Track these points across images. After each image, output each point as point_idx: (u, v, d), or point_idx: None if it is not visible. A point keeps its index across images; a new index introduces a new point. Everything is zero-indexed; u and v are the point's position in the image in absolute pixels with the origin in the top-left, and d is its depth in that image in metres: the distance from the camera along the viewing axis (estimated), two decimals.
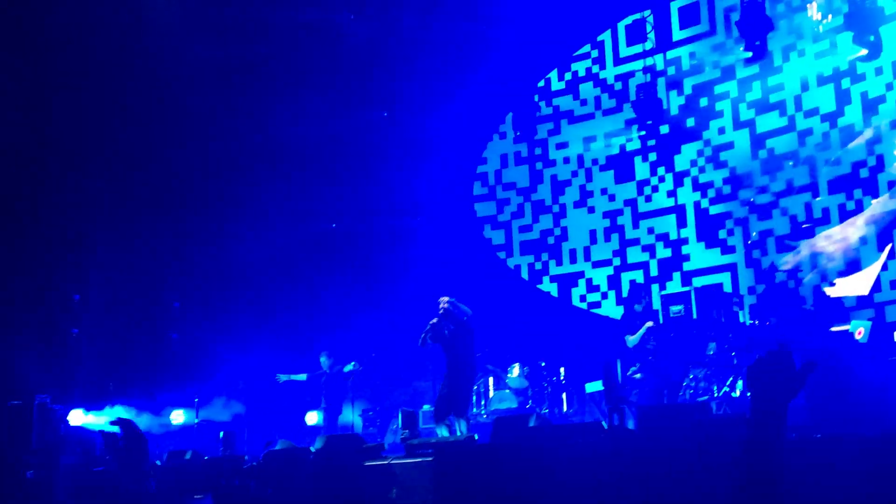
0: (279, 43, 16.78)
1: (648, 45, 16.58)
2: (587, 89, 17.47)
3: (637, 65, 16.76)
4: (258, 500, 9.52)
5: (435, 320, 10.83)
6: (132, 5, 14.91)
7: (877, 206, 13.91)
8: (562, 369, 14.70)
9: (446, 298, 10.93)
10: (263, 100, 16.92)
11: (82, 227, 16.25)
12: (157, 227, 16.81)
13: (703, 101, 16.12)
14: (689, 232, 15.94)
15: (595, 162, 17.22)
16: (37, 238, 15.65)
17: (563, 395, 14.61)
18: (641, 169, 16.73)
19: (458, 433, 10.30)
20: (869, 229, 13.81)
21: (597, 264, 16.95)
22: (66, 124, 15.73)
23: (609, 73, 17.26)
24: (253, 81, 16.71)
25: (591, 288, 16.93)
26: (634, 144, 16.80)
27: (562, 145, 17.61)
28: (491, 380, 14.99)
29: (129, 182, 16.52)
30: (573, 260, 17.22)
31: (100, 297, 16.29)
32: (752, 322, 10.18)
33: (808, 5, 14.95)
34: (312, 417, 15.33)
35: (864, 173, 14.23)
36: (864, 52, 14.01)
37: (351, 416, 14.29)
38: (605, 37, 17.39)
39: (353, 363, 14.40)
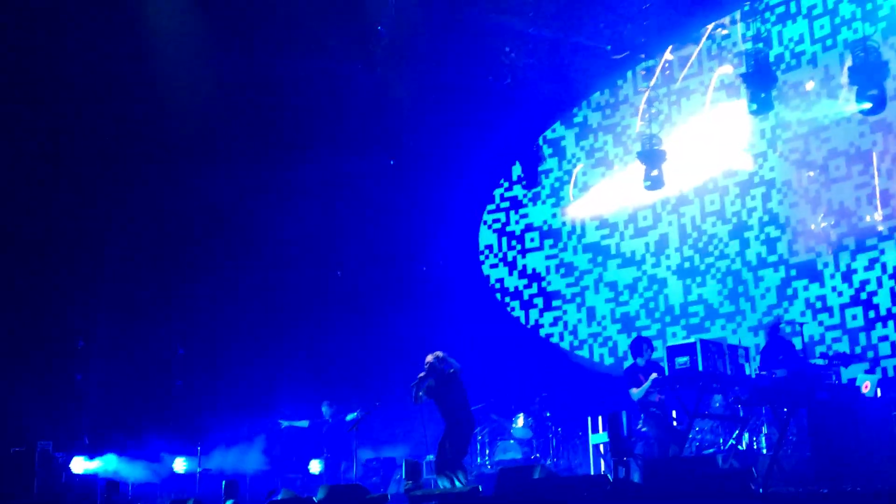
0: (287, 91, 16.94)
1: (652, 94, 16.69)
2: (594, 139, 17.55)
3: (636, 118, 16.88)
4: None
5: (422, 374, 10.86)
6: (146, 55, 15.07)
7: None
8: (567, 420, 14.63)
9: (431, 357, 10.96)
10: (271, 147, 17.04)
11: (88, 272, 16.31)
12: (162, 274, 16.86)
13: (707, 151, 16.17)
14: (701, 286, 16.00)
15: (597, 213, 17.25)
16: (42, 283, 15.69)
17: (569, 447, 14.53)
18: (646, 219, 16.75)
19: (457, 483, 10.23)
20: None
21: (603, 318, 16.95)
22: (74, 171, 15.86)
23: (615, 122, 17.34)
24: (261, 129, 16.84)
25: (597, 339, 16.92)
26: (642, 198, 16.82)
27: (567, 195, 17.66)
28: (495, 430, 14.90)
29: (136, 227, 16.61)
30: (581, 312, 17.20)
31: (104, 343, 16.30)
32: (758, 374, 10.13)
33: None
34: (315, 466, 15.23)
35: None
36: (867, 105, 14.09)
37: (353, 465, 14.19)
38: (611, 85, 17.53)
39: (356, 411, 14.34)
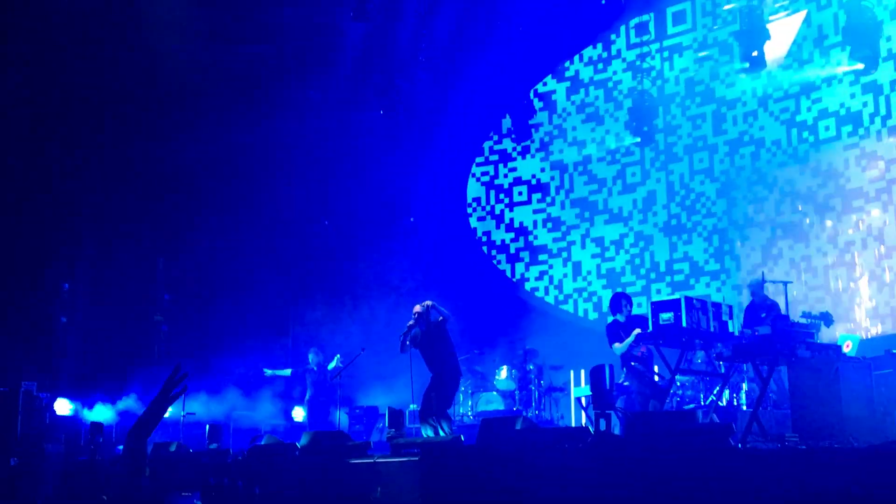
0: (276, 42, 16.81)
1: (645, 49, 16.61)
2: (584, 93, 17.48)
3: (629, 73, 16.80)
4: (246, 499, 9.52)
5: (411, 322, 10.88)
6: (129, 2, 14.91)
7: None
8: (549, 373, 14.73)
9: (419, 306, 10.98)
10: (259, 97, 16.93)
11: (74, 216, 16.23)
12: (148, 220, 16.79)
13: (699, 109, 16.13)
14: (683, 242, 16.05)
15: (588, 166, 17.24)
16: (27, 227, 15.62)
17: (550, 400, 14.65)
18: (635, 175, 16.75)
19: (442, 433, 10.31)
20: None
21: (590, 272, 17.01)
22: (60, 116, 15.71)
23: (607, 76, 17.27)
24: (249, 80, 16.72)
25: (582, 294, 16.99)
26: (629, 151, 16.82)
27: (558, 149, 17.62)
28: (478, 381, 15.00)
29: (122, 173, 16.51)
30: (567, 267, 17.25)
31: (89, 287, 16.27)
32: (741, 332, 10.19)
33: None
34: (299, 413, 15.33)
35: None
36: (859, 66, 14.07)
37: (337, 413, 14.29)
38: (604, 41, 17.41)
39: (336, 357, 14.40)
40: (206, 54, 15.79)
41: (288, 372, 15.41)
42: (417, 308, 10.98)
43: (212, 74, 16.08)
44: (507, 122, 18.18)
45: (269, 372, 15.39)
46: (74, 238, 16.23)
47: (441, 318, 10.88)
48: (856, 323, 13.77)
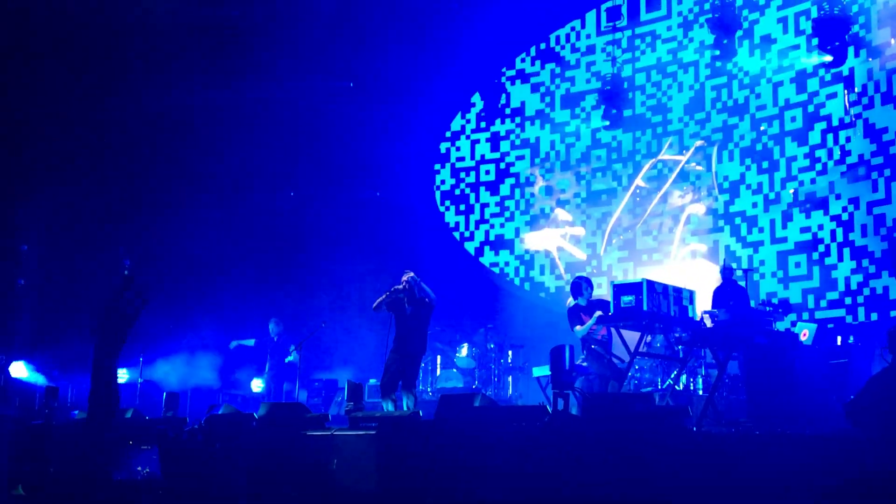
0: (244, 6, 16.60)
1: (619, 35, 16.63)
2: (556, 75, 17.49)
3: (603, 55, 16.81)
4: (205, 453, 9.49)
5: (399, 287, 10.80)
6: None
7: None
8: (509, 352, 14.78)
9: (411, 273, 10.91)
10: (225, 63, 16.72)
11: (32, 178, 15.98)
12: (109, 183, 16.57)
13: (669, 91, 16.20)
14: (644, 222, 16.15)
15: (557, 147, 17.27)
16: None
17: (510, 378, 14.71)
18: (604, 154, 16.80)
19: (405, 408, 10.32)
20: None
21: (555, 249, 17.07)
22: (14, 73, 15.42)
23: (578, 58, 17.28)
24: (216, 44, 16.49)
25: (545, 273, 17.05)
26: (600, 131, 16.86)
27: (526, 127, 17.63)
28: (439, 358, 15.03)
29: (83, 132, 16.26)
30: (530, 246, 17.30)
31: (49, 249, 16.06)
32: (707, 312, 10.29)
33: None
34: (257, 385, 15.28)
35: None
36: (828, 58, 14.19)
37: (296, 385, 14.26)
38: (577, 23, 17.40)
39: (292, 349, 14.28)
40: (173, 14, 15.55)
41: (252, 342, 15.34)
42: (408, 276, 10.87)
43: (178, 34, 15.82)
44: (476, 100, 18.12)
45: (234, 343, 15.32)
46: (33, 199, 15.99)
47: (427, 299, 10.83)
48: (813, 310, 13.95)
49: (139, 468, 10.37)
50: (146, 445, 10.26)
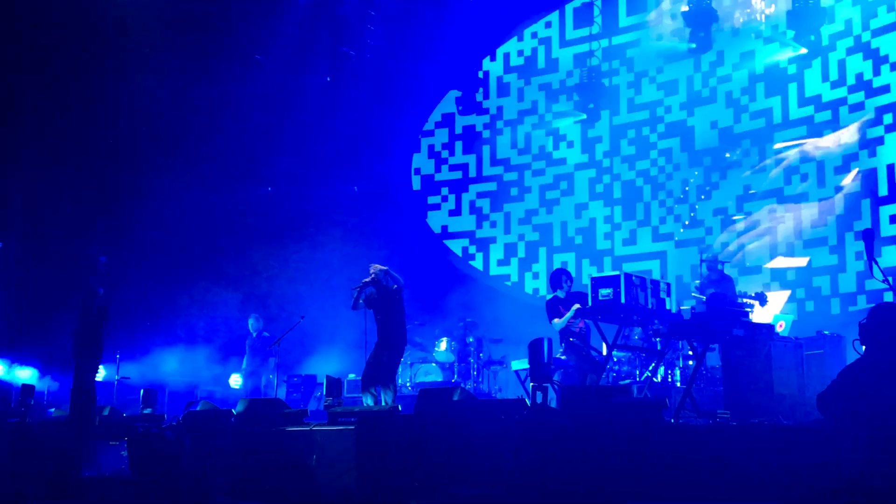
0: (224, 2, 16.53)
1: (595, 30, 16.66)
2: (532, 68, 17.51)
3: (583, 47, 16.83)
4: (174, 448, 9.44)
5: (367, 280, 10.80)
6: None
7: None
8: (488, 346, 14.79)
9: (377, 266, 10.90)
10: (204, 56, 16.63)
11: (6, 171, 15.84)
12: (86, 179, 16.42)
13: (648, 87, 16.25)
14: (622, 217, 16.21)
15: (530, 142, 17.28)
16: None
17: (489, 372, 14.73)
18: (580, 151, 16.83)
19: (384, 403, 10.30)
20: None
21: (531, 244, 17.10)
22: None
23: (555, 53, 17.30)
24: (194, 37, 16.41)
25: (523, 266, 17.08)
26: (575, 127, 16.89)
27: (506, 122, 17.64)
28: (418, 353, 15.03)
29: (59, 127, 16.12)
30: (508, 240, 17.32)
31: (23, 247, 15.92)
32: (678, 309, 10.34)
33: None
34: (235, 380, 15.21)
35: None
36: (803, 50, 14.28)
37: (274, 381, 14.22)
38: (553, 17, 17.42)
39: (271, 361, 14.25)
40: (150, 8, 15.46)
41: (241, 377, 15.13)
42: (374, 269, 10.88)
43: (155, 29, 15.73)
44: (454, 94, 18.12)
45: (237, 383, 15.10)
46: (7, 195, 15.85)
47: (395, 286, 10.83)
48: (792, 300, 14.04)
49: (114, 465, 10.31)
50: (115, 442, 10.20)
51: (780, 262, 14.23)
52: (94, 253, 16.66)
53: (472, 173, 17.83)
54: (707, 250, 13.05)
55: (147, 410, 11.73)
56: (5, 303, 15.54)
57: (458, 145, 18.05)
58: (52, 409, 12.49)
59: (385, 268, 10.89)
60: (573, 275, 11.98)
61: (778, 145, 14.77)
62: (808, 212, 14.34)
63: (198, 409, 10.37)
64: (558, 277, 11.41)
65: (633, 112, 16.34)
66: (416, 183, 18.30)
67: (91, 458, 10.27)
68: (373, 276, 10.81)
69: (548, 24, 17.41)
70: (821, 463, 5.80)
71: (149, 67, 15.88)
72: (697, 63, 15.69)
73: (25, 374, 14.49)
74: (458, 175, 17.96)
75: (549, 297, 11.46)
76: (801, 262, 13.96)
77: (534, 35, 17.53)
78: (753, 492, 6.09)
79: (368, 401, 10.50)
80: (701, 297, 10.91)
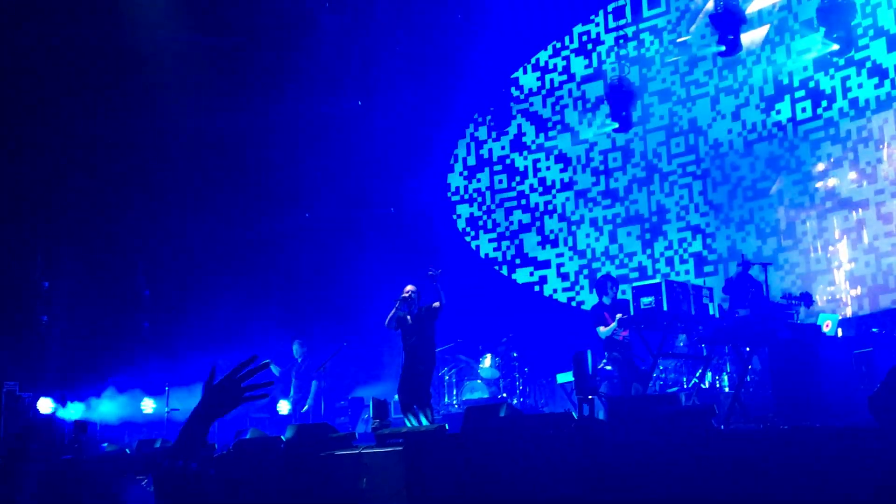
0: (257, 30, 16.73)
1: (622, 33, 16.63)
2: (563, 81, 17.49)
3: (607, 59, 16.81)
4: (199, 480, 9.48)
5: (406, 295, 10.84)
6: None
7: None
8: (533, 360, 14.77)
9: (412, 287, 10.95)
10: (235, 90, 16.84)
11: (53, 214, 16.12)
12: (128, 216, 16.68)
13: (679, 94, 16.17)
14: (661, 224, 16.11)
15: (569, 153, 17.26)
16: (6, 225, 15.51)
17: (534, 387, 14.69)
18: (614, 160, 16.78)
19: (426, 422, 10.32)
20: None
21: (571, 255, 17.04)
22: (38, 111, 15.59)
23: (586, 63, 17.29)
24: (228, 69, 16.63)
25: (565, 279, 17.02)
26: (605, 138, 16.85)
27: (538, 137, 17.64)
28: (463, 370, 15.02)
29: (101, 165, 16.38)
30: (546, 253, 17.28)
31: (70, 285, 16.17)
32: (721, 314, 10.27)
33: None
34: (284, 407, 15.29)
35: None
36: (835, 47, 14.14)
37: (322, 405, 14.28)
38: (581, 28, 17.43)
39: (314, 384, 14.33)
40: (182, 45, 15.71)
41: (277, 371, 15.26)
42: (409, 287, 10.92)
43: (188, 67, 15.98)
44: (486, 111, 18.16)
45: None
46: (54, 236, 16.13)
47: (437, 303, 10.84)
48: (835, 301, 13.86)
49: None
50: (141, 476, 10.25)
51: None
52: (138, 287, 16.94)
53: (507, 188, 17.83)
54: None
55: None
56: (53, 343, 15.77)
57: (493, 161, 18.06)
58: (105, 444, 12.63)
59: (414, 288, 10.95)
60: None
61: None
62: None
63: (247, 436, 10.45)
64: (603, 284, 11.37)
65: (666, 119, 16.25)
66: (453, 201, 18.33)
67: (123, 494, 10.33)
68: (408, 294, 10.87)
69: (581, 34, 17.39)
70: (875, 464, 5.71)
71: (187, 104, 16.11)
72: (727, 65, 15.59)
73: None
74: (495, 190, 17.96)
75: (593, 303, 11.42)
76: None
77: (561, 47, 17.52)
78: (807, 497, 6.01)
79: (412, 421, 10.53)
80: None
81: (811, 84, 14.72)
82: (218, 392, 3.69)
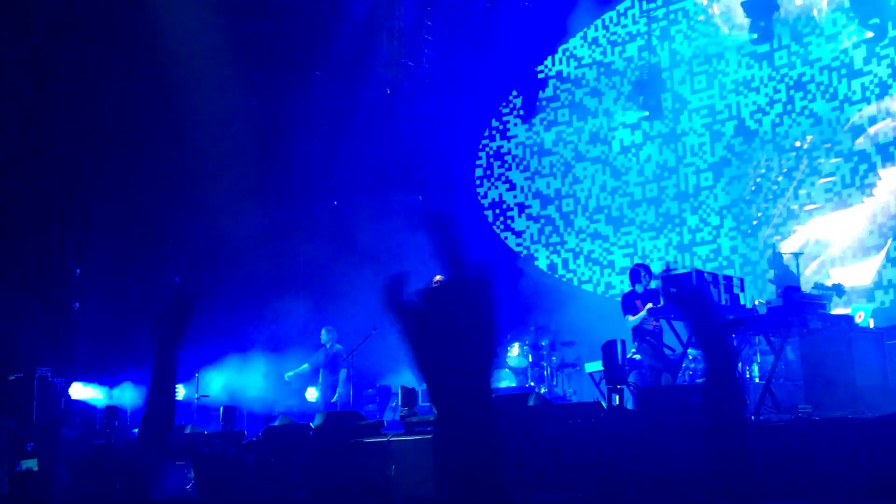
0: (282, 19, 16.75)
1: (653, 25, 16.51)
2: (593, 68, 17.40)
3: (635, 45, 16.70)
4: (238, 466, 9.56)
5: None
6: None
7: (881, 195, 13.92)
8: (561, 349, 14.72)
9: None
10: (263, 77, 16.89)
11: (84, 202, 16.25)
12: (159, 203, 16.78)
13: (706, 81, 16.04)
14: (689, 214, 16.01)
15: (597, 140, 17.17)
16: (38, 212, 15.66)
17: (562, 376, 14.65)
18: (649, 148, 16.68)
19: None
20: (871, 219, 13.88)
21: (599, 241, 16.98)
22: (68, 100, 15.71)
23: (615, 50, 17.18)
24: (252, 60, 16.66)
25: (593, 267, 16.96)
26: (638, 125, 16.74)
27: (566, 123, 17.56)
28: None
29: (133, 155, 16.49)
30: (578, 239, 17.23)
31: (101, 273, 16.31)
32: (752, 304, 10.19)
33: None
34: (312, 394, 15.36)
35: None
36: (869, 34, 13.98)
37: (350, 393, 14.32)
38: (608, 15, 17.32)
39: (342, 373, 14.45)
40: (211, 34, 15.76)
41: (306, 367, 15.27)
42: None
43: (218, 56, 16.04)
44: (515, 98, 18.09)
45: (289, 375, 15.25)
46: (85, 224, 16.25)
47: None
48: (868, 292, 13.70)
49: (187, 486, 10.45)
50: (180, 461, 10.33)
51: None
52: (167, 276, 17.05)
53: (533, 172, 17.77)
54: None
55: (227, 428, 11.92)
56: (85, 329, 15.91)
57: (520, 149, 18.01)
58: (136, 430, 12.74)
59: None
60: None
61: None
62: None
63: (277, 423, 10.51)
64: (637, 272, 11.30)
65: (696, 106, 16.13)
66: (481, 190, 18.30)
67: (160, 479, 10.40)
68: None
69: (610, 21, 17.27)
70: None
71: (211, 87, 16.17)
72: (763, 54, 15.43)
73: (91, 393, 14.77)
74: (523, 178, 17.92)
75: (626, 290, 11.35)
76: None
77: (590, 33, 17.41)
78: (839, 488, 5.97)
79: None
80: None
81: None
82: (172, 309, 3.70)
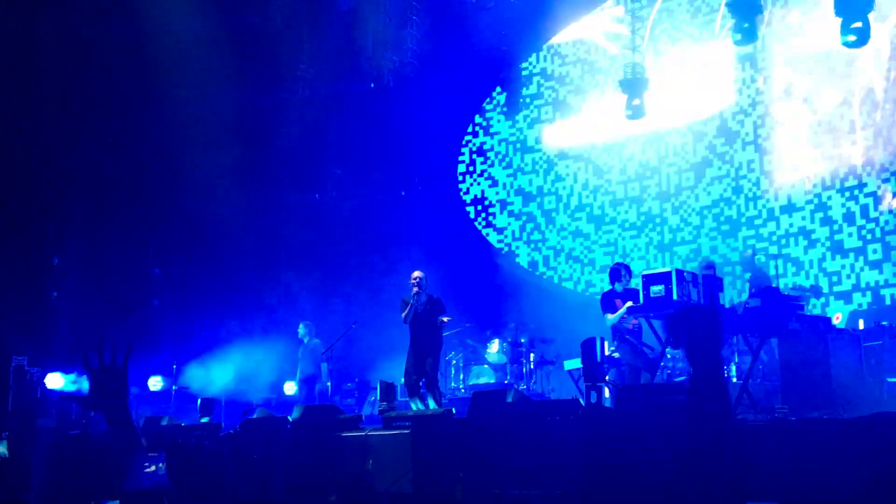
0: (265, 13, 16.69)
1: (638, 26, 16.54)
2: (575, 65, 17.42)
3: (620, 44, 16.72)
4: (212, 457, 9.51)
5: (416, 290, 10.85)
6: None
7: None
8: (540, 346, 14.74)
9: (419, 273, 10.96)
10: (249, 70, 16.82)
11: (63, 190, 16.13)
12: (138, 193, 16.69)
13: (689, 81, 16.09)
14: (672, 213, 16.06)
15: (581, 139, 17.19)
16: (16, 201, 15.53)
17: (541, 373, 14.67)
18: (632, 147, 16.71)
19: (433, 405, 10.35)
20: None
21: (576, 240, 17.01)
22: (47, 88, 15.59)
23: (599, 48, 17.21)
24: (239, 52, 16.59)
25: (573, 265, 16.99)
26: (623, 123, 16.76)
27: (550, 122, 17.58)
28: (470, 355, 15.02)
29: (111, 144, 16.39)
30: (559, 237, 17.25)
31: (80, 262, 16.21)
32: (731, 304, 10.24)
33: None
34: (290, 388, 15.32)
35: None
36: (851, 38, 14.02)
37: (328, 387, 14.30)
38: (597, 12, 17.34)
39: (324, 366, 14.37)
40: (197, 26, 15.69)
41: (295, 385, 15.16)
42: (417, 274, 10.94)
43: (202, 47, 15.96)
44: (499, 95, 18.09)
45: (292, 390, 15.13)
46: (64, 212, 16.14)
47: (446, 317, 10.92)
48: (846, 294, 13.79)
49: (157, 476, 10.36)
50: (153, 453, 10.27)
51: None
52: (148, 266, 16.97)
53: (515, 170, 17.79)
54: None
55: (205, 419, 11.87)
56: (62, 318, 15.81)
57: (503, 146, 18.01)
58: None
59: (421, 273, 10.98)
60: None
61: None
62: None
63: (254, 416, 10.47)
64: (617, 271, 11.31)
65: (679, 106, 16.17)
66: (463, 186, 18.30)
67: (135, 470, 10.34)
68: (416, 281, 10.89)
69: (593, 19, 17.30)
70: (882, 458, 5.69)
71: (198, 85, 16.10)
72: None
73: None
74: (505, 174, 17.93)
75: (605, 289, 11.37)
76: None
77: (572, 31, 17.43)
78: (814, 488, 5.99)
79: (418, 405, 10.54)
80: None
81: None
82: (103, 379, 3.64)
